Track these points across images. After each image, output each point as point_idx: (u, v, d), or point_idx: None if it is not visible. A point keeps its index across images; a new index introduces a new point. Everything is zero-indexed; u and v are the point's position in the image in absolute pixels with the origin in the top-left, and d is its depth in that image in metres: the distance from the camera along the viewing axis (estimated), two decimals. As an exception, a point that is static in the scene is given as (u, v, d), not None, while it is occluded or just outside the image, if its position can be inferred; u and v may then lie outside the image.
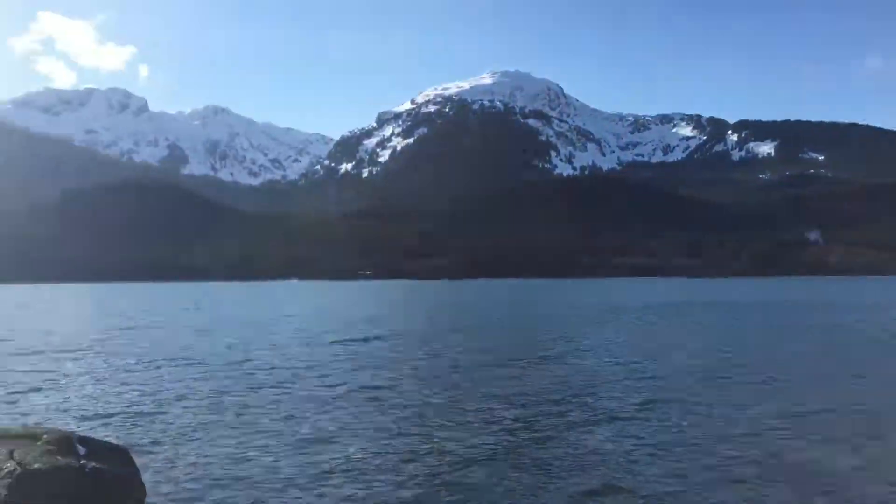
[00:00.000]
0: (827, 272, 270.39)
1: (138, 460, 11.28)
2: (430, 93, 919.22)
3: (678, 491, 11.06)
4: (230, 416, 16.28)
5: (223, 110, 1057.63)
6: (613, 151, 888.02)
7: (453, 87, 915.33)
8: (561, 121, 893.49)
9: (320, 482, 11.43)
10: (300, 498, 10.77)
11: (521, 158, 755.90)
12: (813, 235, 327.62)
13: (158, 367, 24.77)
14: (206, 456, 12.91)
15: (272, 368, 24.32)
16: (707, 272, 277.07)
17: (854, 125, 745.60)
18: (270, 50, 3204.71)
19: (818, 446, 13.53)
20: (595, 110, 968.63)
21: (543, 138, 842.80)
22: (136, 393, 19.51)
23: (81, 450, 10.38)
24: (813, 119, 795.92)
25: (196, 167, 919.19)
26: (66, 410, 17.12)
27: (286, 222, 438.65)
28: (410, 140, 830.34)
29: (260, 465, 12.38)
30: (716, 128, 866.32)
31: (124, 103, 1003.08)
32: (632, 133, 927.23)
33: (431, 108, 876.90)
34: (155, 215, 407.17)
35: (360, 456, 12.90)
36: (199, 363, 25.94)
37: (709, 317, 55.94)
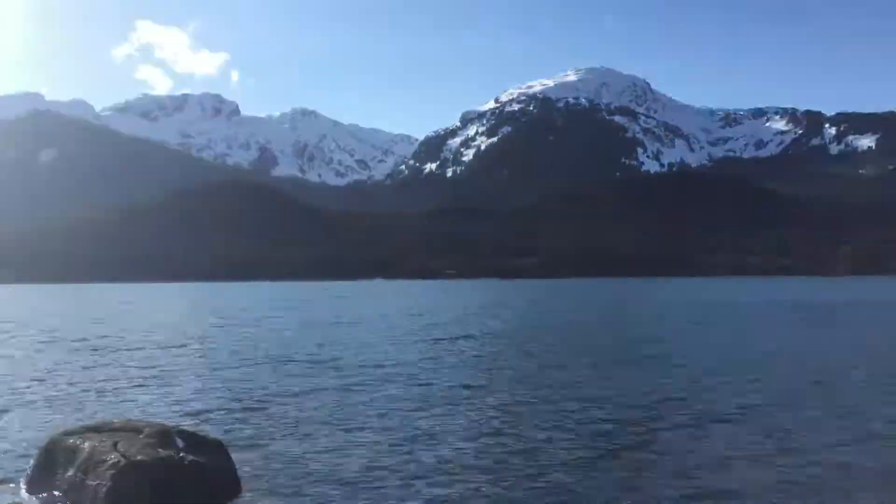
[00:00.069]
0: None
1: (234, 455, 11.47)
2: (514, 91, 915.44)
3: (782, 500, 10.55)
4: (324, 414, 16.34)
5: (311, 112, 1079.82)
6: (703, 147, 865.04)
7: (537, 85, 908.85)
8: (648, 117, 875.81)
9: (414, 481, 11.29)
10: (394, 496, 10.65)
11: (607, 156, 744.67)
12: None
13: (253, 365, 25.18)
14: (301, 452, 12.94)
15: (363, 367, 24.40)
16: (804, 272, 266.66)
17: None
18: (357, 52, 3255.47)
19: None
20: (683, 105, 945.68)
21: (630, 135, 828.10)
22: (232, 389, 19.87)
23: (180, 443, 10.65)
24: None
25: (285, 169, 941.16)
26: (165, 405, 17.55)
27: (371, 222, 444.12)
28: (494, 139, 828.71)
29: (354, 461, 12.33)
30: (812, 121, 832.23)
31: (217, 108, 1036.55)
32: (722, 128, 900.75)
33: (515, 107, 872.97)
34: (246, 216, 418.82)
35: (452, 455, 12.71)
36: (292, 361, 26.27)
37: (811, 318, 53.73)
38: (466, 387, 20.11)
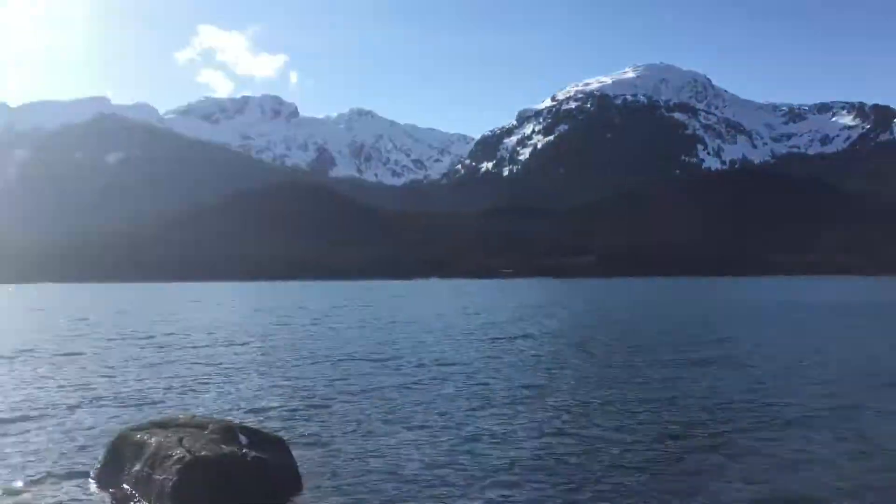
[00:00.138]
0: None
1: (295, 452, 11.56)
2: (571, 89, 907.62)
3: (856, 504, 10.19)
4: (384, 412, 16.38)
5: (368, 113, 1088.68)
6: (766, 143, 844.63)
7: (595, 83, 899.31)
8: (709, 113, 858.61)
9: (475, 481, 11.20)
10: (454, 496, 10.58)
11: (667, 153, 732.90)
12: None
13: (313, 363, 25.42)
14: (361, 450, 12.96)
15: (422, 366, 24.44)
16: (871, 271, 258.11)
17: None
18: (413, 52, 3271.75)
19: None
20: (745, 101, 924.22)
21: (690, 132, 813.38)
22: (293, 387, 20.06)
23: (243, 439, 10.79)
24: None
25: (342, 169, 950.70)
26: (229, 401, 17.83)
27: (428, 222, 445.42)
28: (551, 137, 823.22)
29: (414, 460, 12.31)
30: (881, 115, 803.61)
31: (276, 109, 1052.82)
32: (786, 124, 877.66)
33: (572, 105, 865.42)
34: (305, 217, 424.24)
35: (513, 455, 12.57)
36: (351, 359, 26.48)
37: (879, 319, 52.00)
38: (526, 386, 19.93)
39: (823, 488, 10.84)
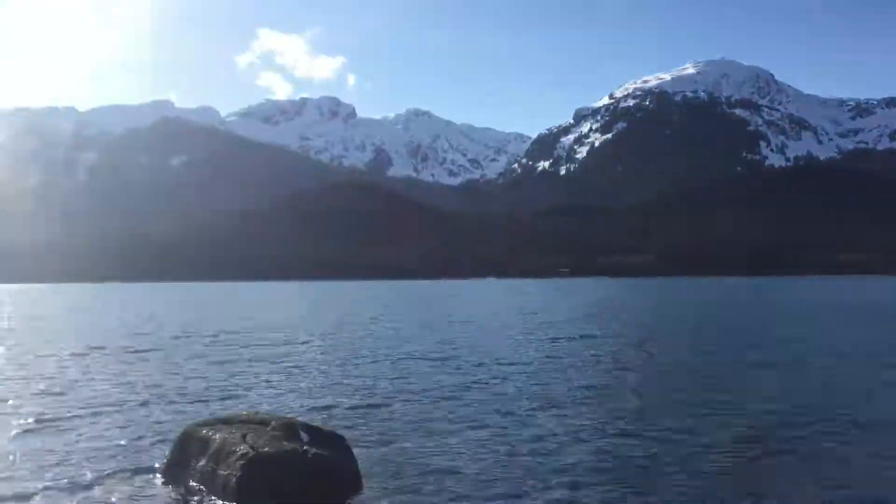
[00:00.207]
0: None
1: (355, 450, 11.56)
2: (629, 86, 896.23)
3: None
4: (444, 411, 16.30)
5: (424, 113, 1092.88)
6: (832, 139, 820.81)
7: (653, 80, 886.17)
8: (772, 109, 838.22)
9: (538, 482, 11.04)
10: (515, 496, 10.45)
11: (728, 150, 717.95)
12: None
13: (373, 362, 25.51)
14: (422, 449, 12.91)
15: (482, 365, 24.29)
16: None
17: None
18: (470, 52, 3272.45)
19: None
20: (810, 96, 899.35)
21: (752, 128, 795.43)
22: (353, 385, 20.17)
23: (305, 436, 10.87)
24: None
25: (399, 169, 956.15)
26: (290, 399, 18.02)
27: (484, 221, 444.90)
28: (609, 135, 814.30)
29: (475, 460, 12.18)
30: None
31: (334, 111, 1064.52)
32: (853, 119, 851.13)
33: (630, 102, 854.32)
34: (363, 216, 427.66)
35: (576, 457, 12.37)
36: (411, 358, 26.51)
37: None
38: (588, 387, 19.64)
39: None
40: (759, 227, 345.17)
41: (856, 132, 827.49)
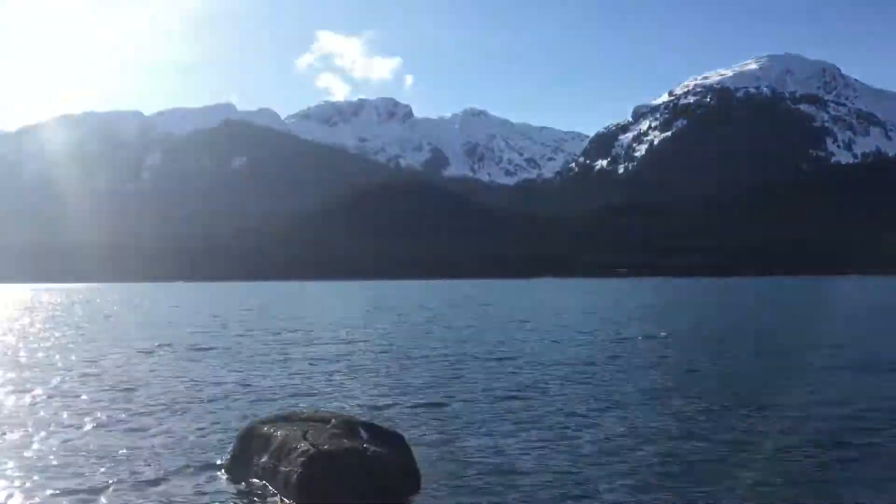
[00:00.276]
0: None
1: (414, 449, 11.51)
2: (689, 83, 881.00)
3: None
4: (505, 412, 16.15)
5: (481, 112, 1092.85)
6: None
7: (714, 76, 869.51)
8: (838, 104, 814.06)
9: (601, 484, 10.85)
10: (580, 499, 10.27)
11: (793, 147, 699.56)
12: None
13: (432, 362, 25.47)
14: (482, 450, 12.78)
15: (543, 366, 24.05)
16: None
17: None
18: (526, 50, 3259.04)
19: None
20: (879, 90, 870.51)
21: (818, 124, 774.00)
22: (412, 384, 20.21)
23: (364, 434, 10.95)
24: None
25: (456, 169, 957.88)
26: (350, 397, 18.14)
27: (541, 220, 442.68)
28: (668, 133, 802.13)
29: (537, 462, 12.02)
30: None
31: (391, 111, 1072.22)
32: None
33: (691, 99, 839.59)
34: (419, 216, 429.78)
35: (641, 460, 12.12)
36: (471, 358, 26.38)
37: None
38: (652, 388, 19.28)
39: None
40: (826, 226, 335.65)
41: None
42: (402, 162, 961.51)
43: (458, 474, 11.40)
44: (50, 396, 18.33)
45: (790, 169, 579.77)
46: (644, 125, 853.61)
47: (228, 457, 11.78)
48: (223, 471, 11.51)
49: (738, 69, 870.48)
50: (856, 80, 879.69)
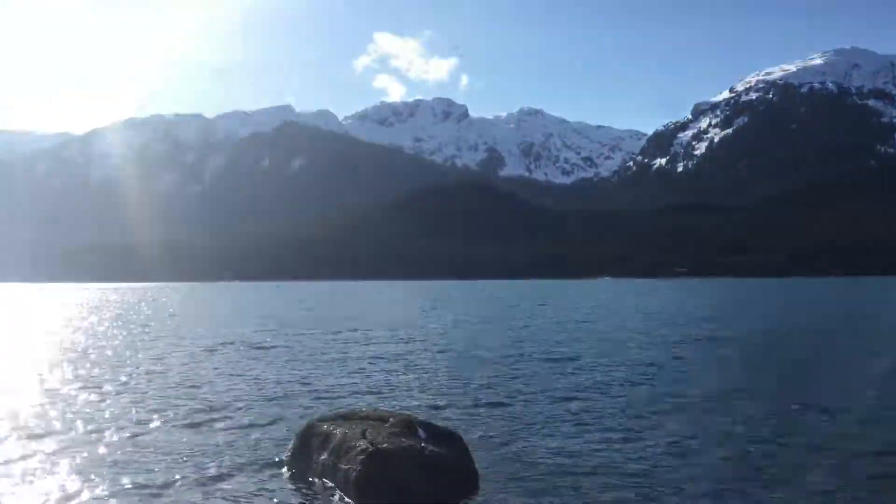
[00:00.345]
0: None
1: (472, 449, 11.46)
2: (751, 79, 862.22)
3: None
4: (565, 413, 15.95)
5: (536, 112, 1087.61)
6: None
7: (777, 71, 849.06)
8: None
9: (665, 489, 10.61)
10: (648, 503, 10.14)
11: (860, 143, 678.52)
12: None
13: (491, 362, 25.33)
14: (542, 452, 12.63)
15: (604, 366, 23.68)
16: None
17: None
18: (582, 48, 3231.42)
19: None
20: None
21: (886, 119, 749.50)
22: (470, 384, 20.13)
23: (422, 434, 10.97)
24: None
25: (512, 168, 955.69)
26: (408, 396, 18.20)
27: (598, 220, 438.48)
28: (729, 130, 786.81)
29: (599, 465, 11.82)
30: None
31: (447, 112, 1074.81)
32: None
33: (753, 96, 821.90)
34: (476, 216, 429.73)
35: (708, 464, 11.83)
36: (530, 358, 26.21)
37: None
38: (718, 390, 18.71)
39: None
40: (893, 225, 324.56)
41: None
42: (458, 162, 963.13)
43: (517, 475, 11.31)
44: (118, 393, 18.82)
45: (857, 166, 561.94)
46: (704, 123, 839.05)
47: (289, 454, 11.94)
48: (284, 468, 11.67)
49: (802, 64, 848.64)
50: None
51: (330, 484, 10.58)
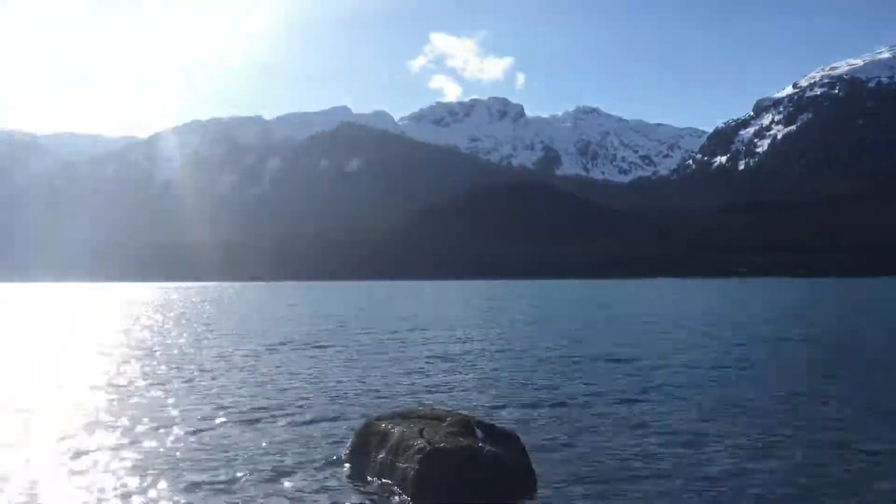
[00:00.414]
0: None
1: (530, 450, 11.41)
2: (815, 75, 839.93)
3: None
4: (627, 415, 15.75)
5: (593, 110, 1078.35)
6: None
7: (843, 66, 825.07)
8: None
9: (731, 495, 10.40)
10: None
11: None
12: None
13: (551, 362, 25.20)
14: (602, 454, 12.48)
15: (666, 368, 23.33)
16: None
17: None
18: (639, 46, 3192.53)
19: None
20: None
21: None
22: (527, 385, 20.04)
23: (479, 433, 10.95)
24: None
25: (569, 168, 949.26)
26: (464, 396, 18.19)
27: (657, 219, 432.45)
28: (793, 127, 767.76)
29: (661, 469, 11.60)
30: None
31: (503, 111, 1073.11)
32: None
33: (817, 91, 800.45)
34: (533, 216, 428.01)
35: (775, 470, 11.50)
36: (589, 359, 25.95)
37: None
38: (786, 394, 18.21)
39: None
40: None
41: None
42: (514, 161, 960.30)
43: (575, 476, 11.21)
44: (183, 390, 19.26)
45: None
46: (766, 119, 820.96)
47: (347, 452, 12.07)
48: (343, 466, 11.78)
49: (869, 58, 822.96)
50: None
51: (387, 482, 10.66)
